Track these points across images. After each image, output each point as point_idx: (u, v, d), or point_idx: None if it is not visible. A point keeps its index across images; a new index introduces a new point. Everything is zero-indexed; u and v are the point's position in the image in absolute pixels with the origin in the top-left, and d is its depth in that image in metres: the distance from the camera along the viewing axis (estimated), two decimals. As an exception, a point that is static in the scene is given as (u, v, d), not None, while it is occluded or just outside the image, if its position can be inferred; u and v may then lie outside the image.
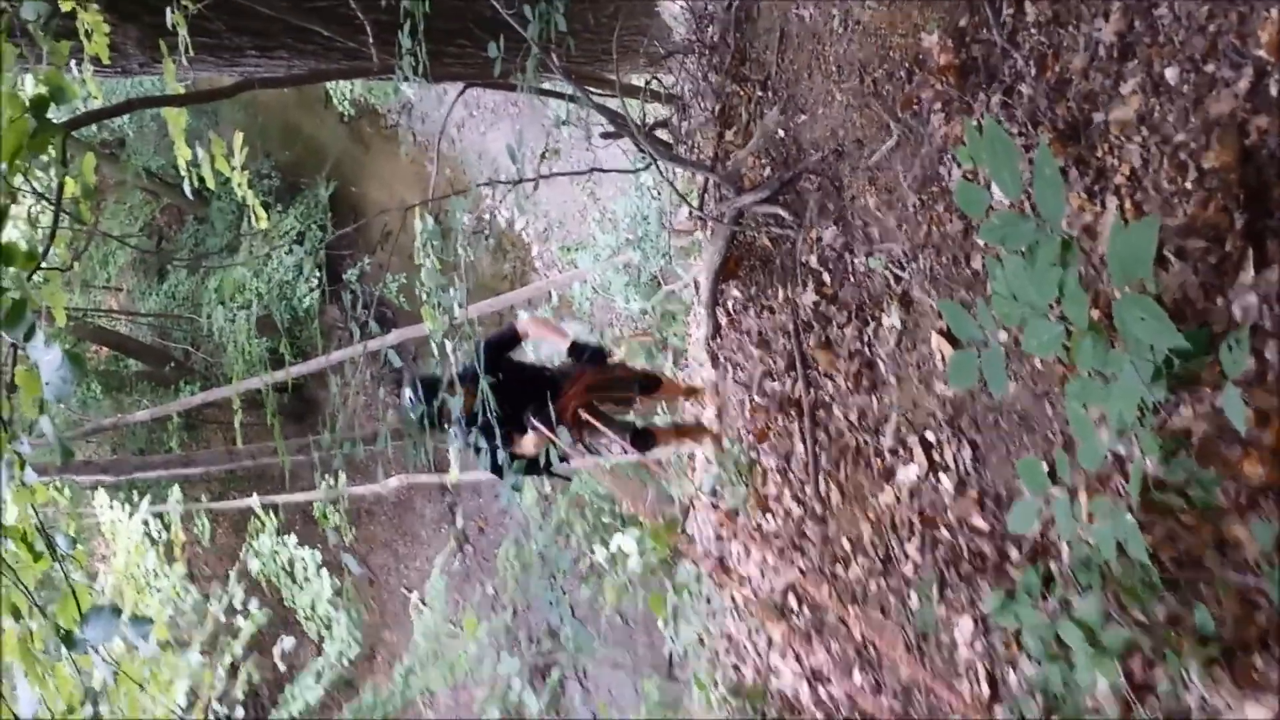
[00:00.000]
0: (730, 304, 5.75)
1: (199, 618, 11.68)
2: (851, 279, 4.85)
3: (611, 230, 8.47)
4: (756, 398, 5.54)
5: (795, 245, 5.20)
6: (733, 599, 5.71)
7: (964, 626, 4.02)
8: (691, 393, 6.41)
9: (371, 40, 5.38)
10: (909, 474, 4.42)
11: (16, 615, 3.49)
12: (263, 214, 6.36)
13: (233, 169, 5.80)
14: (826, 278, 5.01)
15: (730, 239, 5.53)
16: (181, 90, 5.51)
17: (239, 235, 16.90)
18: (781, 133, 5.26)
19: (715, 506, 5.89)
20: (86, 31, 4.77)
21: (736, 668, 5.73)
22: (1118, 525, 2.85)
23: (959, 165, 4.12)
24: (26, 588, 3.51)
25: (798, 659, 5.12)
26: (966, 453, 4.10)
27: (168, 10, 4.94)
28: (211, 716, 9.29)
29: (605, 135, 6.21)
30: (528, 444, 5.71)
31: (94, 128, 16.27)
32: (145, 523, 10.69)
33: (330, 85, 15.30)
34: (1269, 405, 2.86)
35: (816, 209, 5.03)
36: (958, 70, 4.11)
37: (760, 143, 5.27)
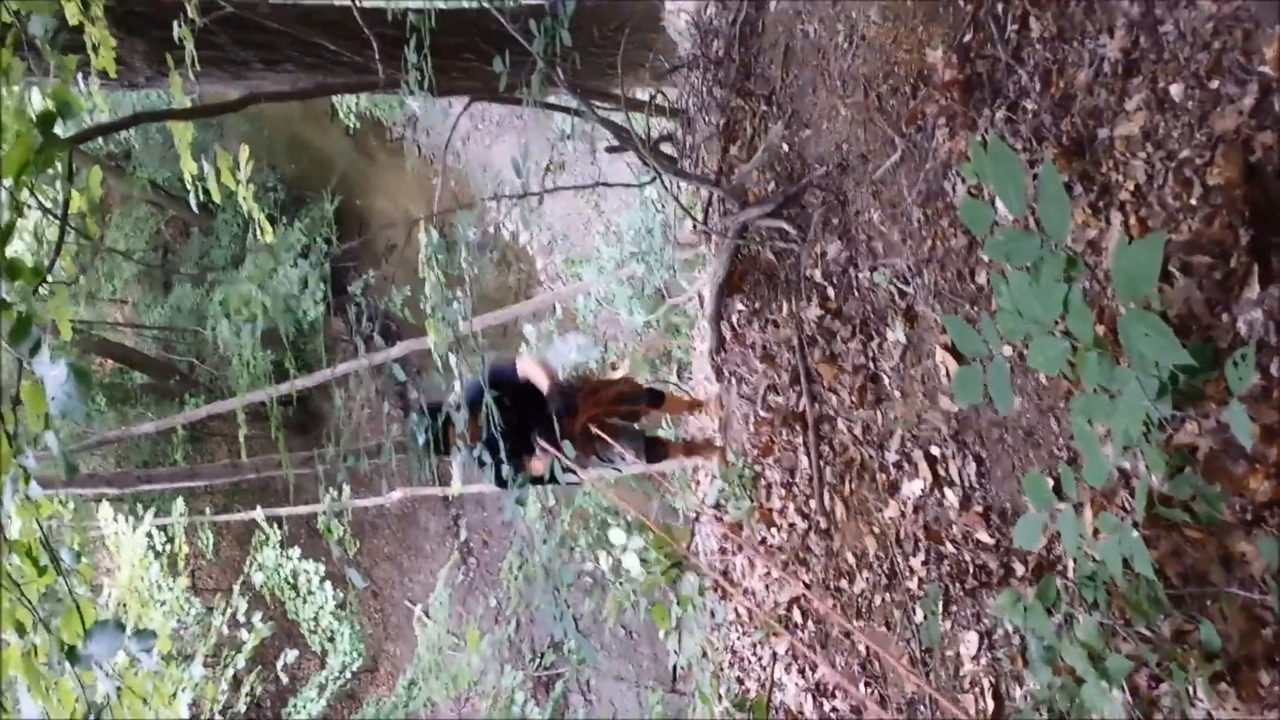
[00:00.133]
0: (734, 318, 5.76)
1: (202, 630, 11.69)
2: (856, 293, 4.86)
3: (616, 243, 8.48)
4: (761, 411, 5.54)
5: (799, 259, 5.21)
6: (737, 612, 5.71)
7: (969, 641, 4.02)
8: (695, 406, 6.42)
9: (377, 54, 5.40)
10: (913, 488, 4.42)
11: (20, 630, 3.49)
12: (268, 227, 6.36)
13: (238, 182, 5.81)
14: (831, 292, 5.01)
15: (734, 253, 5.54)
16: (188, 104, 5.53)
17: (244, 248, 16.92)
18: (786, 147, 5.27)
19: (719, 520, 5.89)
20: (94, 45, 4.79)
21: (740, 680, 5.73)
22: (1123, 540, 2.85)
23: (963, 180, 4.12)
24: (30, 602, 3.51)
25: (802, 672, 5.12)
26: (971, 467, 4.10)
27: (174, 24, 4.96)
28: (215, 729, 9.29)
29: (610, 149, 6.22)
30: (538, 465, 5.74)
31: (100, 140, 16.32)
32: (149, 535, 10.69)
33: (336, 99, 15.34)
34: (1274, 421, 2.86)
35: (821, 223, 5.04)
36: (962, 86, 4.12)
37: (765, 157, 5.28)
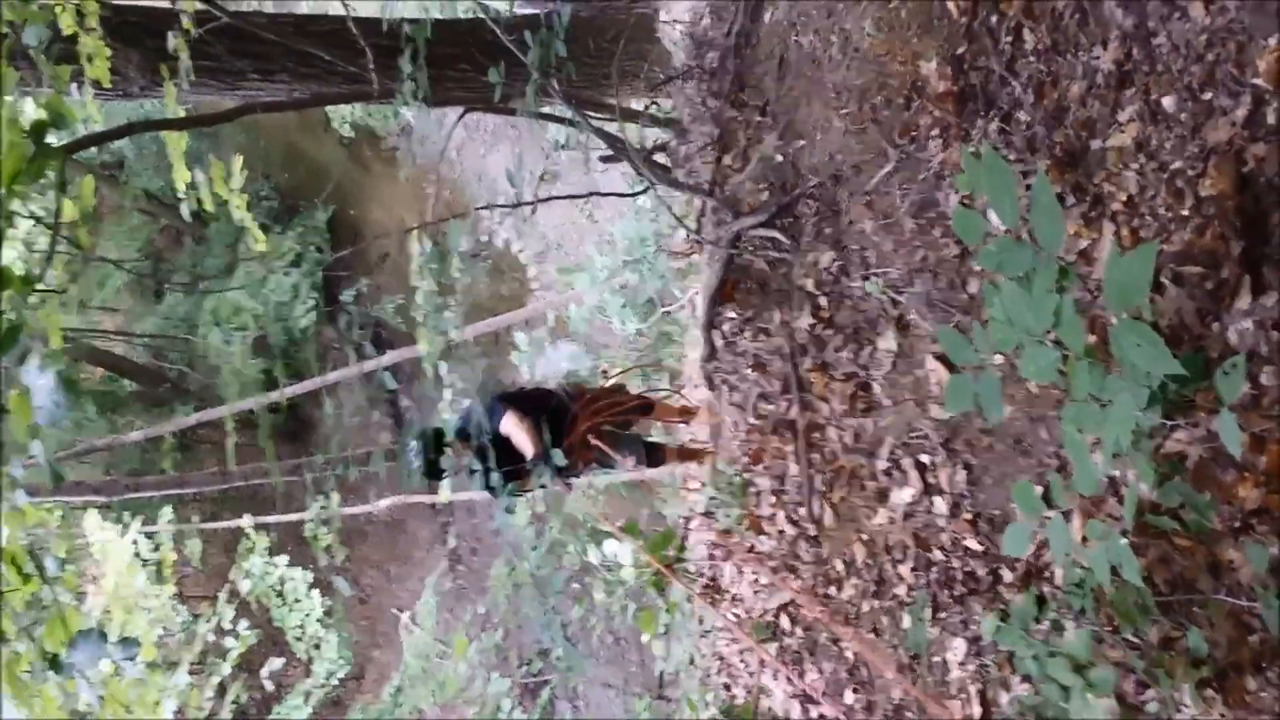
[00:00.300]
0: (726, 326, 5.77)
1: (188, 638, 11.64)
2: (848, 303, 4.88)
3: (609, 252, 8.49)
4: (751, 419, 5.56)
5: (792, 269, 5.23)
6: (725, 619, 5.72)
7: (957, 647, 4.03)
8: (686, 413, 6.44)
9: (372, 65, 5.42)
10: (903, 496, 4.44)
11: (2, 638, 3.48)
12: (261, 236, 6.37)
13: (231, 191, 5.82)
14: (823, 301, 5.04)
15: (727, 262, 5.56)
16: (182, 113, 5.54)
17: (237, 257, 16.91)
18: (780, 158, 5.29)
19: (709, 527, 5.91)
20: (88, 55, 4.80)
21: (727, 687, 5.73)
22: (1112, 548, 2.87)
23: (956, 191, 4.15)
24: (14, 610, 3.50)
25: (789, 679, 5.13)
26: (961, 475, 4.12)
27: (169, 34, 4.97)
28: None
29: (604, 159, 6.25)
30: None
31: (94, 149, 16.31)
32: (135, 543, 10.66)
33: (331, 109, 15.35)
34: (1264, 430, 2.89)
35: (813, 233, 5.06)
36: (956, 97, 4.15)
37: (758, 167, 5.31)
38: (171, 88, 5.13)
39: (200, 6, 5.18)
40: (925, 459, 4.34)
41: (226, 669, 11.04)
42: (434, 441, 5.39)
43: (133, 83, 5.50)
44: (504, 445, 5.31)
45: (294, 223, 16.80)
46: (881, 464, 4.61)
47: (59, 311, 4.29)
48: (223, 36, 5.45)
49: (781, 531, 5.27)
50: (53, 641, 3.36)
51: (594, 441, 5.64)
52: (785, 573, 5.18)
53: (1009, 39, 3.90)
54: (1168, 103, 3.28)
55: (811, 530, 5.05)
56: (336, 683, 13.20)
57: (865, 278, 4.72)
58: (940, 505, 4.22)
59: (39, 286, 3.85)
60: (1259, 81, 3.02)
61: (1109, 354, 2.57)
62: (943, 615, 4.13)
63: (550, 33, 4.98)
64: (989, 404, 2.92)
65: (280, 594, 12.74)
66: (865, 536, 4.68)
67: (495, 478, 4.92)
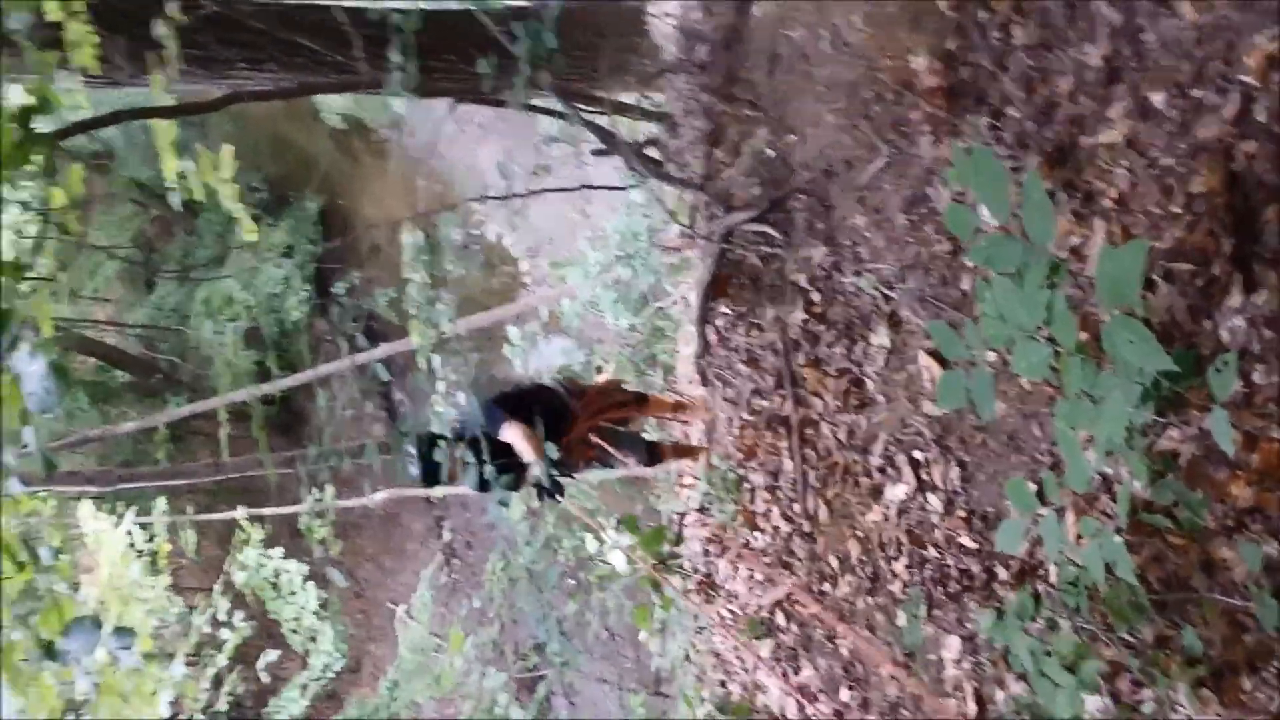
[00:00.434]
0: (719, 322, 5.76)
1: (183, 629, 11.63)
2: (840, 298, 4.87)
3: (602, 247, 8.46)
4: (745, 415, 5.55)
5: (784, 264, 5.22)
6: (720, 615, 5.72)
7: (951, 645, 4.03)
8: (679, 408, 6.43)
9: (361, 55, 5.38)
10: (897, 492, 4.44)
11: (-1, 626, 3.47)
12: (251, 226, 6.32)
13: (221, 181, 5.78)
14: (815, 296, 5.03)
15: (720, 257, 5.55)
16: (170, 102, 5.50)
17: (228, 248, 16.86)
18: (771, 152, 5.28)
19: (703, 523, 5.90)
20: (75, 42, 4.76)
21: (723, 683, 5.74)
22: (1105, 546, 2.87)
23: (947, 186, 4.14)
24: (8, 598, 3.49)
25: (785, 675, 5.13)
26: (955, 472, 4.12)
27: (156, 22, 4.93)
28: (195, 729, 9.26)
29: (596, 152, 6.22)
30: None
31: (83, 139, 16.21)
32: (130, 534, 10.64)
33: (320, 100, 15.29)
34: (1256, 427, 2.89)
35: (806, 228, 5.05)
36: (946, 92, 4.13)
37: (750, 162, 5.29)
38: (159, 76, 5.09)
39: (188, -7, 5.14)
40: (919, 455, 4.34)
41: (222, 661, 11.04)
42: (429, 446, 5.34)
43: (120, 71, 5.44)
44: (501, 445, 5.28)
45: (285, 214, 16.74)
46: (875, 460, 4.60)
47: (50, 300, 4.27)
48: (211, 25, 5.40)
49: (776, 527, 5.27)
50: (48, 629, 3.35)
51: (595, 440, 5.62)
52: (780, 569, 5.18)
53: (998, 34, 3.89)
54: (1157, 99, 3.27)
55: (806, 526, 5.05)
56: (332, 676, 13.19)
57: (857, 273, 4.71)
58: (934, 502, 4.21)
59: (29, 275, 3.83)
60: (1248, 78, 3.01)
61: (1101, 350, 2.56)
62: (938, 612, 4.13)
63: (540, 24, 4.95)
64: (981, 400, 2.92)
65: (275, 586, 12.72)
66: (859, 533, 4.68)
67: (489, 470, 4.90)
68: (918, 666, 4.19)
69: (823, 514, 4.94)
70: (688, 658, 6.06)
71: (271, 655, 11.65)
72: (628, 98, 6.55)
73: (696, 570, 6.05)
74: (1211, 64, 3.12)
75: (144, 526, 11.25)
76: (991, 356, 3.65)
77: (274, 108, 16.38)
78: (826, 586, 4.86)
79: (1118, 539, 2.85)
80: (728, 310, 5.67)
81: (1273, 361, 2.86)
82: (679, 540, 6.14)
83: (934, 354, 4.26)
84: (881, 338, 4.56)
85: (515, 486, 5.37)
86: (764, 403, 5.41)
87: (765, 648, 5.25)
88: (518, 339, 8.53)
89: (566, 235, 11.80)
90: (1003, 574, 3.85)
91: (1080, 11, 3.54)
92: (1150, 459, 3.02)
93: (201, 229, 17.86)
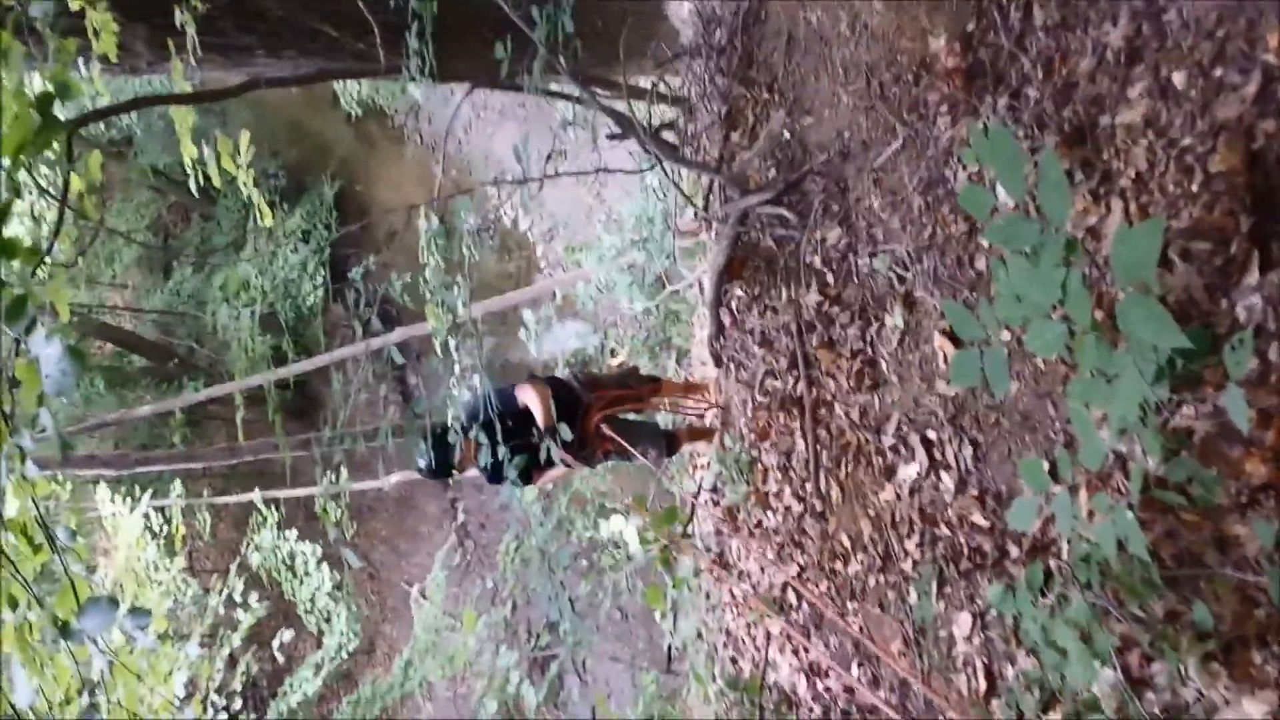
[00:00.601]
0: (734, 304, 5.78)
1: (199, 610, 11.73)
2: (855, 279, 4.88)
3: (617, 231, 8.49)
4: (759, 396, 5.57)
5: (799, 246, 5.24)
6: (731, 594, 5.74)
7: (962, 622, 4.06)
8: (691, 389, 6.46)
9: (379, 41, 5.41)
10: (909, 472, 4.46)
11: (14, 605, 3.51)
12: (268, 212, 6.37)
13: (238, 167, 5.82)
14: (830, 278, 5.04)
15: (735, 240, 5.56)
16: (189, 89, 5.54)
17: (245, 233, 16.94)
18: (787, 135, 5.29)
19: (716, 503, 5.93)
20: (94, 30, 4.79)
21: (734, 661, 5.77)
22: (1118, 522, 2.89)
23: (964, 167, 4.15)
24: (25, 579, 3.54)
25: (796, 653, 5.16)
26: (968, 451, 4.13)
27: (176, 10, 4.96)
28: (210, 708, 9.33)
29: (611, 136, 6.24)
30: (548, 476, 5.80)
31: (102, 126, 16.31)
32: (146, 516, 10.74)
33: (338, 86, 15.34)
34: (1271, 405, 2.90)
35: (821, 210, 5.07)
36: (964, 74, 4.14)
37: (766, 145, 5.30)
38: (178, 63, 5.12)
39: (207, -19, 5.17)
40: (932, 435, 4.36)
41: (237, 641, 11.13)
42: (441, 439, 5.39)
43: (140, 58, 5.48)
44: (514, 423, 5.31)
45: (302, 200, 16.82)
46: (888, 440, 4.62)
47: (68, 286, 4.31)
48: (230, 12, 5.43)
49: (788, 507, 5.30)
50: (63, 608, 3.39)
51: (608, 431, 5.67)
52: (792, 548, 5.21)
53: (1018, 15, 3.90)
54: (1178, 79, 3.28)
55: (818, 506, 5.07)
56: (346, 656, 13.30)
57: (873, 255, 4.73)
58: (947, 481, 4.23)
59: (47, 261, 3.87)
60: (1269, 58, 3.02)
61: (1116, 330, 2.57)
62: (948, 590, 4.15)
63: (557, 9, 4.97)
64: (995, 378, 2.93)
65: (290, 568, 12.83)
66: (871, 512, 4.70)
67: (503, 451, 4.92)
68: (928, 643, 4.21)
69: (835, 494, 4.96)
70: (699, 636, 6.08)
71: (286, 635, 11.74)
72: (645, 82, 6.57)
73: (709, 550, 6.08)
74: (1233, 43, 3.13)
75: (160, 509, 11.35)
76: (1006, 336, 3.67)
77: (292, 95, 16.45)
78: (838, 565, 4.88)
79: (1130, 515, 2.86)
80: (742, 293, 5.69)
81: (1288, 339, 2.88)
82: (691, 521, 6.17)
83: (948, 334, 4.27)
84: (896, 318, 4.57)
85: (528, 471, 5.41)
86: (777, 384, 5.43)
87: (776, 625, 5.27)
88: (533, 323, 8.57)
89: (582, 220, 11.84)
90: (1014, 551, 3.87)
91: (1101, -9, 3.55)
92: (1164, 436, 3.04)
93: (219, 215, 17.96)
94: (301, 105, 17.16)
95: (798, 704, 5.12)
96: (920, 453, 4.39)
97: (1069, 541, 3.44)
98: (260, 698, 13.80)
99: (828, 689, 4.91)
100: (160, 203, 18.75)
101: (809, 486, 5.14)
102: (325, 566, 12.74)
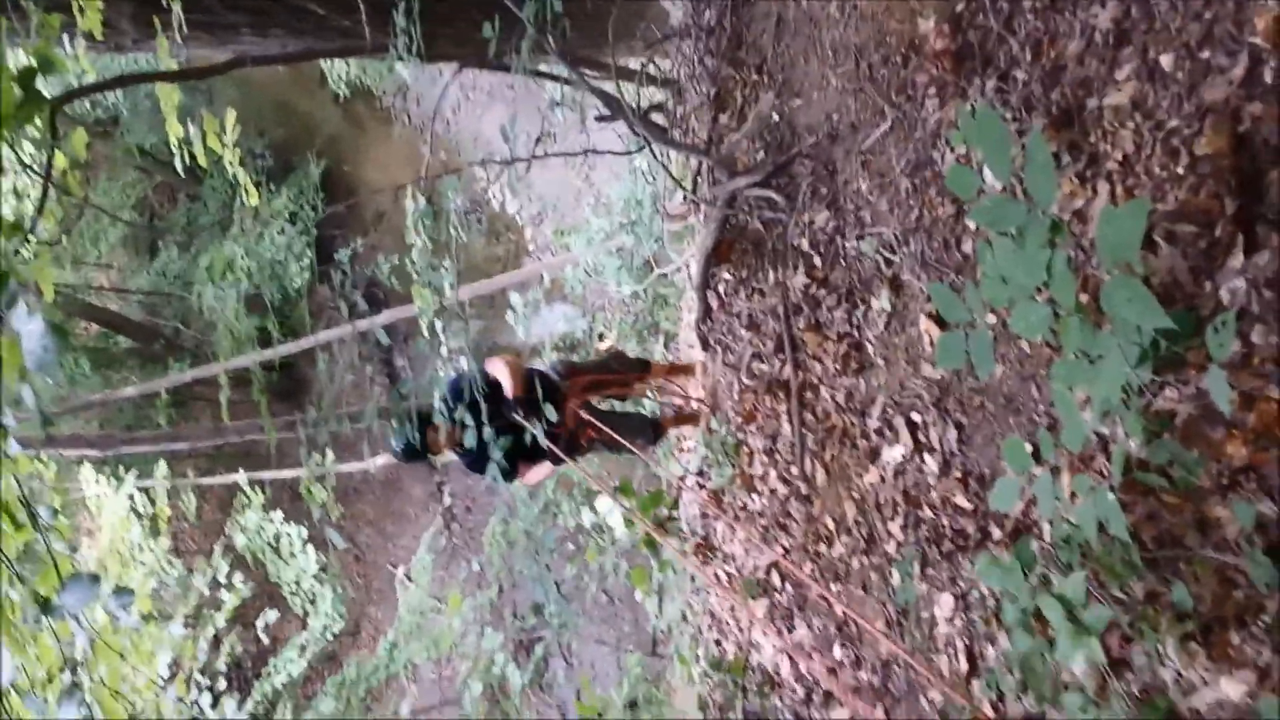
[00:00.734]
0: (721, 287, 5.78)
1: (183, 591, 11.71)
2: (842, 262, 4.88)
3: (605, 214, 8.49)
4: (745, 379, 5.58)
5: (787, 229, 5.23)
6: (716, 576, 5.76)
7: (944, 603, 4.07)
8: (677, 371, 6.46)
9: (366, 19, 5.37)
10: (894, 454, 4.47)
11: (-3, 583, 3.51)
12: (254, 192, 6.36)
13: (224, 146, 5.79)
14: (817, 261, 5.04)
15: (723, 223, 5.56)
16: (175, 67, 5.50)
17: (231, 213, 16.86)
18: (776, 117, 5.28)
19: (702, 486, 5.94)
20: (79, 6, 4.76)
21: (718, 643, 5.79)
22: (1099, 504, 2.90)
23: (952, 150, 4.15)
24: (7, 557, 3.53)
25: (779, 634, 5.18)
26: (952, 434, 4.14)
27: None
28: (194, 688, 9.31)
29: (600, 118, 6.22)
30: (536, 474, 5.79)
31: (88, 105, 16.21)
32: (131, 497, 10.70)
33: (326, 65, 15.27)
34: (1253, 387, 2.91)
35: (809, 193, 5.06)
36: (953, 56, 4.13)
37: (755, 126, 5.29)
38: (164, 41, 5.08)
39: (193, -43, 5.13)
40: (916, 418, 4.37)
41: (221, 622, 11.12)
42: (419, 424, 5.41)
43: (125, 35, 5.44)
44: (487, 403, 5.30)
45: (288, 180, 16.75)
46: (873, 423, 4.63)
47: (51, 265, 4.28)
48: (216, -11, 5.40)
49: (773, 490, 5.31)
50: (45, 585, 3.39)
51: (587, 418, 5.68)
52: (776, 530, 5.22)
53: (1008, -3, 3.89)
54: (1165, 61, 3.28)
55: (803, 489, 5.08)
56: (331, 637, 13.30)
57: (860, 237, 4.73)
58: (931, 463, 4.24)
59: (31, 239, 3.85)
60: (1257, 40, 3.02)
61: (1100, 312, 2.58)
62: (931, 571, 4.17)
63: (545, -12, 4.94)
64: (980, 360, 2.94)
65: (275, 549, 12.82)
66: (856, 494, 4.71)
67: (488, 432, 4.92)
68: (910, 624, 4.23)
69: (820, 476, 4.97)
70: (684, 618, 6.10)
71: (271, 616, 11.74)
72: (634, 63, 6.55)
73: (694, 533, 6.09)
74: (1220, 25, 3.13)
75: (145, 490, 11.31)
76: (991, 319, 3.68)
77: (279, 74, 16.37)
78: (822, 547, 4.89)
79: (1112, 497, 2.87)
80: (730, 275, 5.69)
81: (1271, 322, 2.88)
82: (676, 504, 6.18)
83: (934, 317, 4.28)
84: (882, 301, 4.58)
85: (513, 464, 5.43)
86: (764, 367, 5.43)
87: (760, 607, 5.29)
88: (520, 305, 8.56)
89: (570, 202, 11.82)
90: (997, 533, 3.88)
91: (1088, -27, 3.54)
92: (1147, 418, 3.04)
93: (205, 195, 17.87)
94: (289, 84, 17.08)
95: (780, 684, 5.14)
96: (905, 435, 4.40)
97: (1050, 523, 3.46)
98: (244, 679, 13.81)
99: (810, 670, 4.92)
100: (146, 182, 18.64)
101: (794, 469, 5.15)
102: (310, 548, 12.73)
